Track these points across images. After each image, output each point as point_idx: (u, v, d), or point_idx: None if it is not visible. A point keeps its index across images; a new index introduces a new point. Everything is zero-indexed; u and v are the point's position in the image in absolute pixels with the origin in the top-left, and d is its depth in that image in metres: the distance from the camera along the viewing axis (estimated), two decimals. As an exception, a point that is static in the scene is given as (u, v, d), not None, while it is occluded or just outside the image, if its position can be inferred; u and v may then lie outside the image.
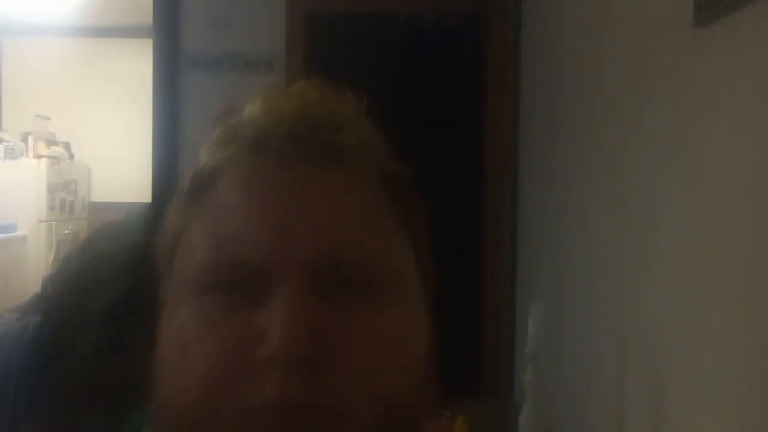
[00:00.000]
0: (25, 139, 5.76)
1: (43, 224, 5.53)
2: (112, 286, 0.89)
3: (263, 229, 0.43)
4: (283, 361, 0.39)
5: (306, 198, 0.44)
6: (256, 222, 0.43)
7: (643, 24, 1.46)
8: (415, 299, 0.47)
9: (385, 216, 0.46)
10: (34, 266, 5.39)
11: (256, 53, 3.08)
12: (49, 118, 5.97)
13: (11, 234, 5.35)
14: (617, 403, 1.51)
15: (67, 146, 6.02)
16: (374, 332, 0.42)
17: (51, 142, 5.87)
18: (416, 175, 0.50)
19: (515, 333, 2.92)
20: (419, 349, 0.45)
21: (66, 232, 5.70)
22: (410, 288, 0.47)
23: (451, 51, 3.17)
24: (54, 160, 5.70)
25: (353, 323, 0.42)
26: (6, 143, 5.58)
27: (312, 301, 0.41)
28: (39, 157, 5.64)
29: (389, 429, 0.42)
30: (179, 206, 0.49)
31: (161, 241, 0.50)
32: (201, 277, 0.43)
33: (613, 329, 1.57)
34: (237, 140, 0.47)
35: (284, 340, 0.39)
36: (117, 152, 6.09)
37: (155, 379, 0.45)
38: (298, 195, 0.44)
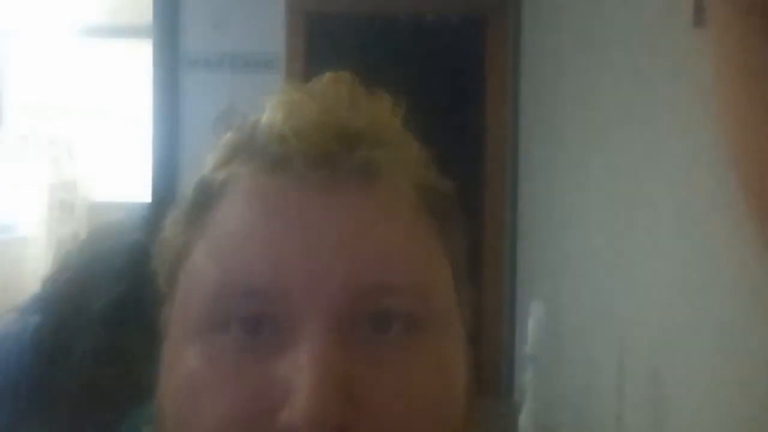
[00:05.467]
0: (25, 139, 5.76)
1: (43, 224, 5.52)
2: (111, 285, 0.89)
3: (284, 256, 0.36)
4: (309, 430, 0.33)
5: (337, 221, 0.37)
6: (275, 248, 0.36)
7: (643, 24, 1.46)
8: (456, 333, 0.41)
9: (426, 241, 0.40)
10: (34, 266, 5.39)
11: (256, 53, 3.07)
12: (49, 118, 5.97)
13: (11, 234, 5.35)
14: (617, 403, 1.51)
15: (67, 146, 6.02)
16: (413, 384, 0.36)
17: (51, 142, 5.87)
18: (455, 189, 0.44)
19: (515, 333, 2.91)
20: (461, 394, 0.39)
21: (66, 232, 5.70)
22: (452, 322, 0.41)
23: (451, 51, 3.17)
24: (54, 160, 5.70)
25: (389, 375, 0.36)
26: (6, 143, 5.58)
27: (343, 351, 0.34)
28: (39, 157, 5.63)
29: None
30: (181, 221, 0.42)
31: (161, 260, 0.43)
32: (210, 311, 0.37)
33: (613, 329, 1.57)
34: (253, 151, 0.40)
35: (312, 405, 0.32)
36: (117, 152, 6.09)
37: (160, 427, 0.40)
38: (327, 217, 0.37)
